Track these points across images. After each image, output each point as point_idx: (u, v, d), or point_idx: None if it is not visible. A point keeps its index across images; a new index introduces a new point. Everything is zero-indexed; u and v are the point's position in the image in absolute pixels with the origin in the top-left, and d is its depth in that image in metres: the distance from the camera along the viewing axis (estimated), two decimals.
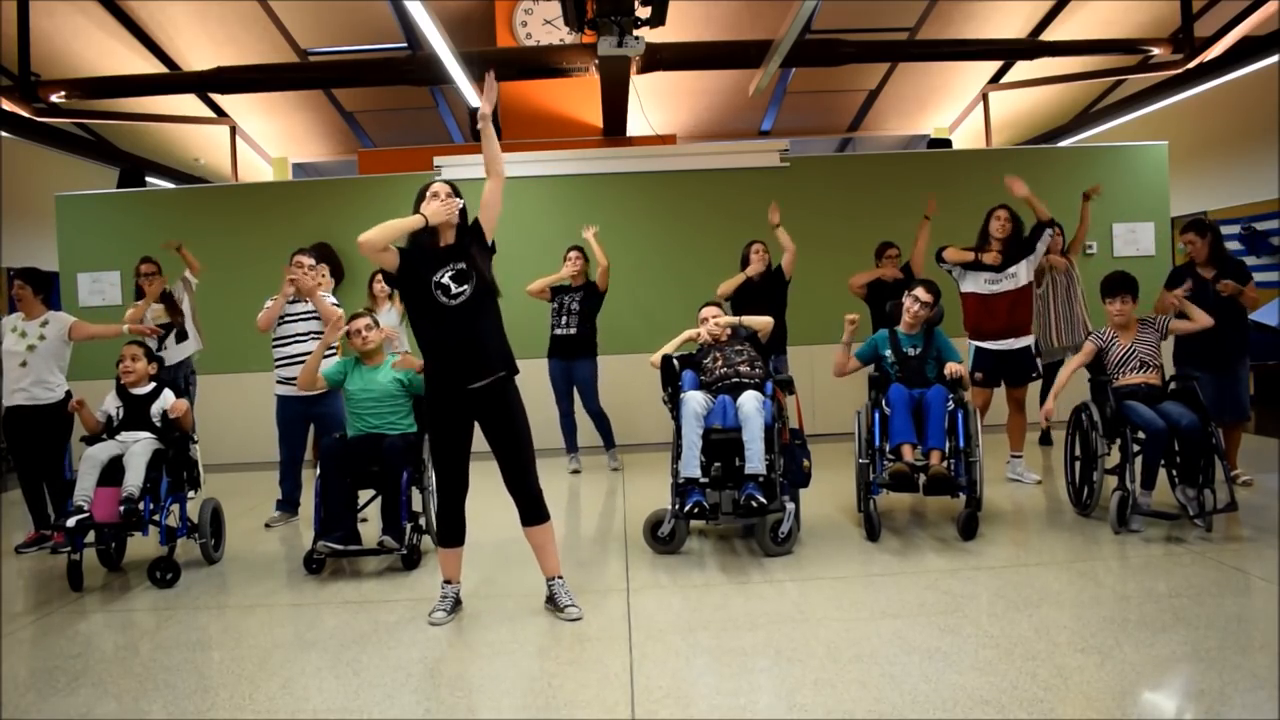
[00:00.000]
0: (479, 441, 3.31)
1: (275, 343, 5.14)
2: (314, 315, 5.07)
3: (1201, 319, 4.54)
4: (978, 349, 5.29)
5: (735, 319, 4.64)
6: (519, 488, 3.31)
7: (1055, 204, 7.77)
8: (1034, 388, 5.71)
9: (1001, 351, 5.25)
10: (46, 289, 5.07)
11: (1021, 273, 5.24)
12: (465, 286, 3.19)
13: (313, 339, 5.01)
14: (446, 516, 3.33)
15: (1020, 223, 5.31)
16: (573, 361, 6.32)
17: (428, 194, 3.27)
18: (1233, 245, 8.12)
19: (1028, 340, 5.31)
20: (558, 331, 6.31)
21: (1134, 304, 4.50)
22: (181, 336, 5.68)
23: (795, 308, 6.32)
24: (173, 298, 5.85)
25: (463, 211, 3.31)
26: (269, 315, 5.06)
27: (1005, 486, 5.26)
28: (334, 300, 5.16)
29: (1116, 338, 4.51)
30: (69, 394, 4.97)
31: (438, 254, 3.23)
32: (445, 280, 3.18)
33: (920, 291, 4.60)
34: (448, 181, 3.32)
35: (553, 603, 3.37)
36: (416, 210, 3.23)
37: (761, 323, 4.58)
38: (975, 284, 5.30)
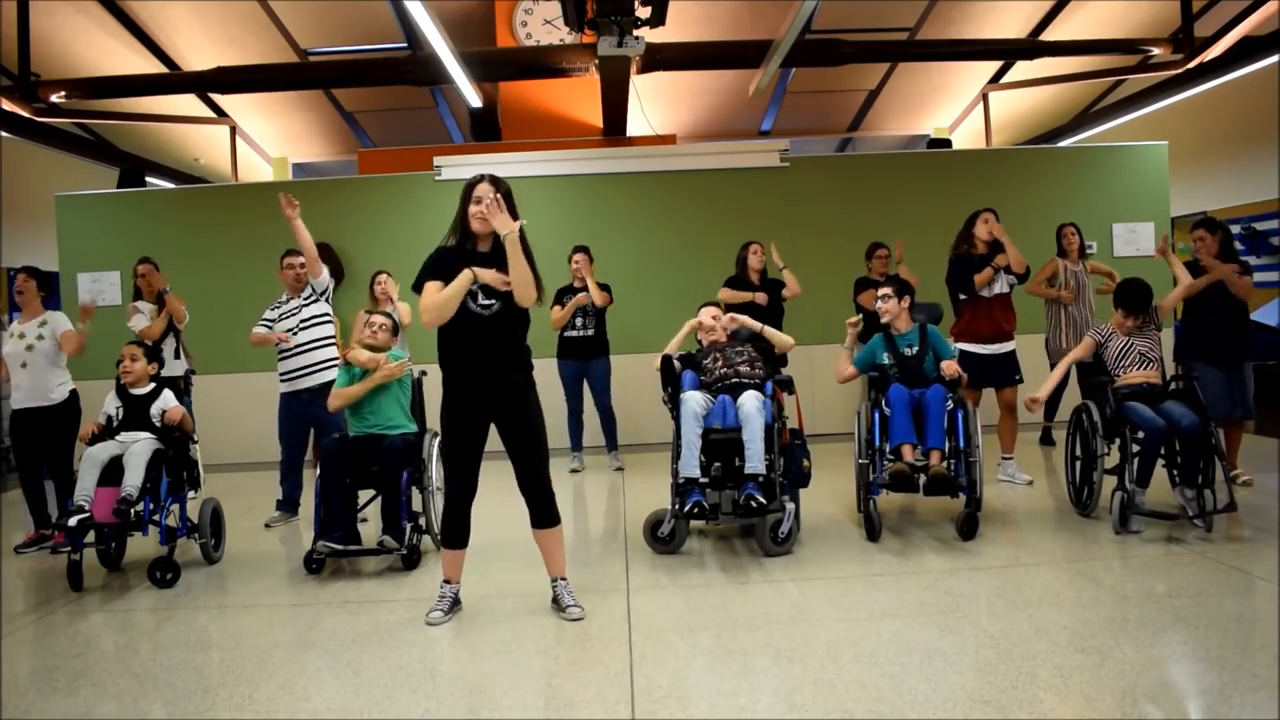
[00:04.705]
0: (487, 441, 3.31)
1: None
2: (314, 310, 5.09)
3: (1182, 274, 4.94)
4: (963, 353, 5.28)
5: (758, 325, 4.59)
6: (532, 489, 3.30)
7: (1055, 204, 7.74)
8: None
9: (987, 356, 5.27)
10: (47, 287, 5.08)
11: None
12: (494, 300, 3.19)
13: (315, 327, 5.04)
14: (452, 518, 3.32)
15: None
16: (589, 362, 6.35)
17: (472, 197, 3.21)
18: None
19: (1012, 345, 5.33)
20: (572, 334, 6.30)
21: (1140, 322, 4.53)
22: (178, 355, 5.72)
23: (795, 307, 6.32)
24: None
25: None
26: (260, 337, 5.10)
27: (1000, 487, 5.25)
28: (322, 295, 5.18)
29: (1114, 333, 4.54)
30: (74, 393, 4.97)
31: (476, 260, 3.22)
32: (474, 288, 3.18)
33: (880, 290, 4.67)
34: (493, 181, 3.23)
35: (556, 603, 3.37)
36: (461, 209, 3.23)
37: (782, 340, 4.57)
38: (1001, 285, 5.30)
